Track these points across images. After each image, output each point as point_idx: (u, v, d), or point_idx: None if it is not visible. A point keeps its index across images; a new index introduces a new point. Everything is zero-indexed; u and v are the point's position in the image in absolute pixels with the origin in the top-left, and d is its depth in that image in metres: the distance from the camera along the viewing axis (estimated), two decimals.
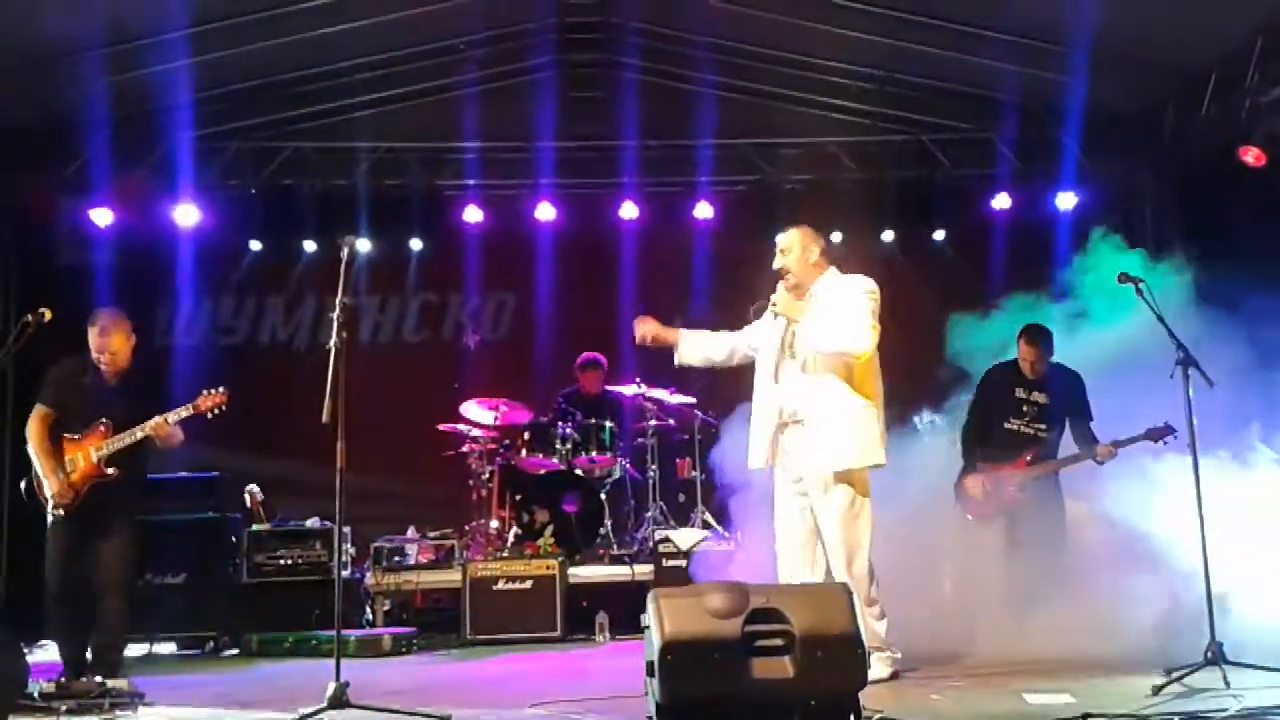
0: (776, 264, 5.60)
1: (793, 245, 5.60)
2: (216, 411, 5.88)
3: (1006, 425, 6.91)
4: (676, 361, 6.01)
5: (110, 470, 5.84)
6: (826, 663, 4.01)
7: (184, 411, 5.86)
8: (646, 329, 5.89)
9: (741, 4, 8.69)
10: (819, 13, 8.53)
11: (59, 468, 5.84)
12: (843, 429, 5.38)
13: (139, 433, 5.81)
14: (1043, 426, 6.86)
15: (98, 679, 5.53)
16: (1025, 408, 6.89)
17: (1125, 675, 5.17)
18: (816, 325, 5.38)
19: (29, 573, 8.35)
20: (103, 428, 5.86)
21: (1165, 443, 6.30)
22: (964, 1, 8.16)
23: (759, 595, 4.14)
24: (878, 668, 5.14)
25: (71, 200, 9.34)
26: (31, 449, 5.93)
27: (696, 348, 5.93)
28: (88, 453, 5.84)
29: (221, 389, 5.89)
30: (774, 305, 5.51)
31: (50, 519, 5.87)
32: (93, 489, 5.85)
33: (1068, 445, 6.86)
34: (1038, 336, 6.87)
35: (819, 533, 5.49)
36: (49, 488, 5.81)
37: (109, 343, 5.94)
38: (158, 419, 5.81)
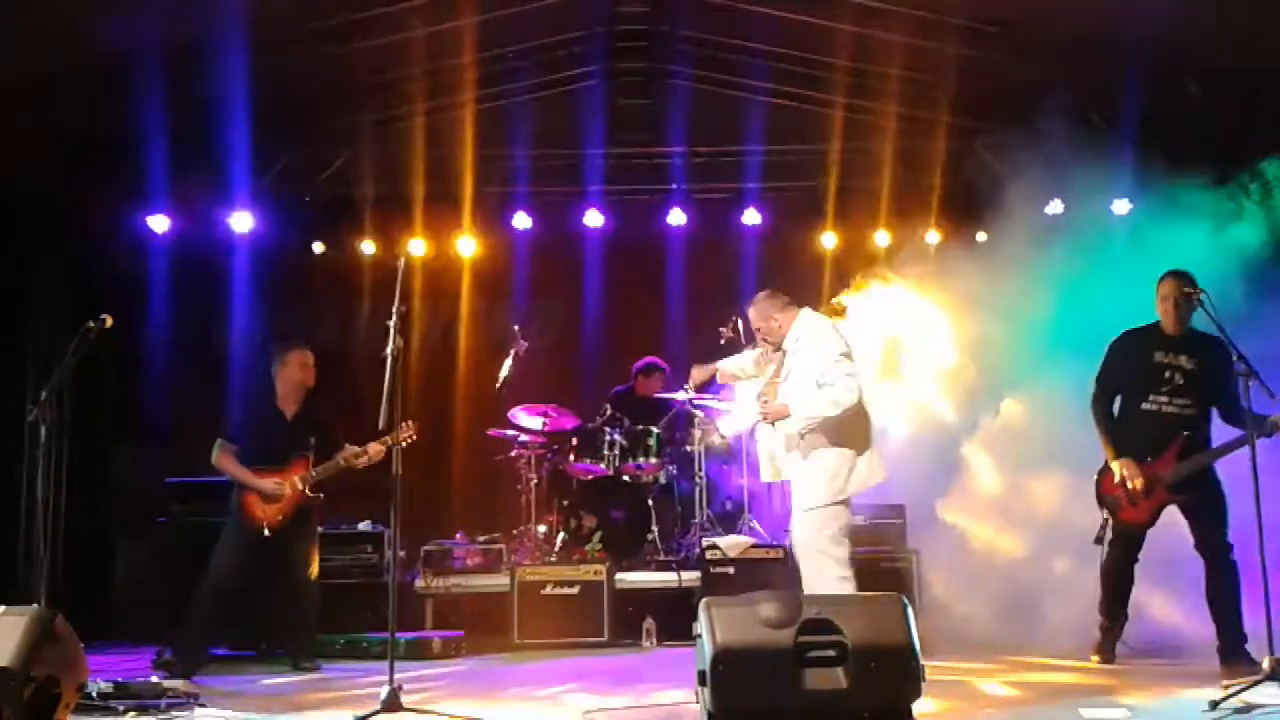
0: (757, 339, 6.28)
1: (758, 320, 6.20)
2: (409, 442, 6.33)
3: (1145, 405, 6.01)
4: (718, 380, 6.73)
5: (317, 495, 6.79)
6: (880, 674, 4.00)
7: (388, 441, 6.36)
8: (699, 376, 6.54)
9: (790, 11, 8.66)
10: (868, 20, 8.49)
11: (270, 483, 6.68)
12: (802, 476, 5.92)
13: (342, 461, 6.74)
14: (1187, 403, 5.95)
15: (153, 678, 5.65)
16: (1169, 374, 5.96)
17: (1183, 690, 5.12)
18: (798, 416, 5.82)
19: (90, 580, 8.58)
20: (301, 459, 6.72)
21: None
22: (1020, 6, 8.06)
23: (811, 605, 4.14)
24: None
25: (128, 207, 9.49)
26: (234, 476, 6.75)
27: (728, 371, 6.58)
28: (293, 481, 6.72)
29: (412, 422, 6.40)
30: (761, 414, 6.06)
31: (239, 535, 6.69)
32: (294, 514, 6.72)
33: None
34: (1185, 276, 5.84)
35: None
36: (267, 490, 6.67)
37: (313, 374, 6.94)
38: (377, 446, 6.62)
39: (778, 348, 6.11)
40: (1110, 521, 6.13)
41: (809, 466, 5.89)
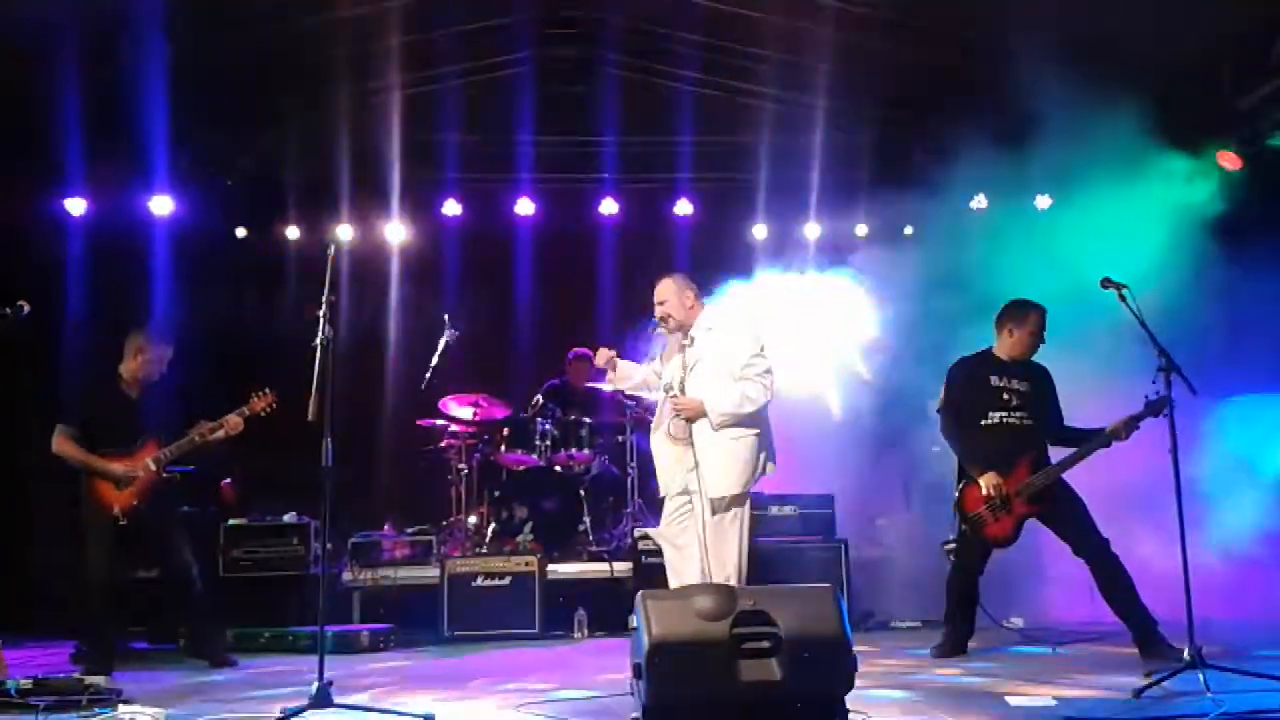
0: (658, 313, 6.02)
1: (669, 294, 6.01)
2: (267, 411, 6.30)
3: (985, 422, 6.25)
4: (609, 385, 6.58)
5: (171, 475, 6.47)
6: (813, 665, 4.03)
7: (245, 412, 6.35)
8: (606, 355, 6.31)
9: (724, 2, 8.68)
10: (802, 12, 8.54)
11: (119, 466, 6.29)
12: (722, 461, 5.79)
13: (196, 437, 6.35)
14: (1025, 415, 6.23)
15: (75, 675, 5.49)
16: (1006, 396, 6.25)
17: (1107, 678, 5.23)
18: (715, 413, 5.77)
19: (4, 572, 8.36)
20: (152, 440, 6.35)
21: (1165, 415, 5.53)
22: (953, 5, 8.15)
23: (747, 597, 4.15)
24: None
25: (44, 189, 9.23)
26: (78, 461, 6.35)
27: (622, 379, 6.40)
28: (145, 464, 6.31)
29: (268, 390, 6.28)
30: (678, 411, 5.84)
31: (96, 525, 6.34)
32: (152, 497, 6.36)
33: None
34: (1044, 315, 6.35)
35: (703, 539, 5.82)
36: (116, 474, 6.27)
37: (168, 354, 6.52)
38: (235, 418, 6.34)
39: (685, 333, 5.98)
40: (968, 537, 6.28)
41: (724, 451, 5.81)
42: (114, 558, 6.40)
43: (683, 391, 5.88)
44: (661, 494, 6.12)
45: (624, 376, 6.39)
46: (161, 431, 6.39)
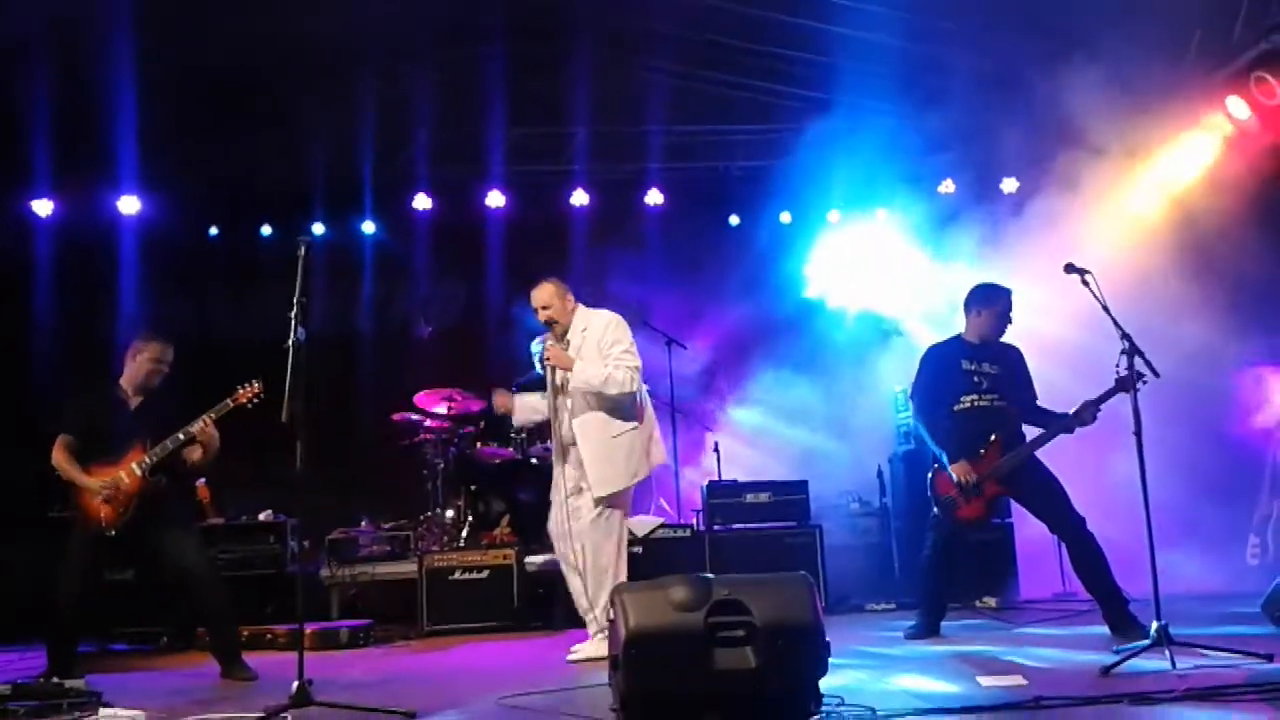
0: (542, 319, 6.28)
1: (552, 299, 6.25)
2: (254, 402, 6.01)
3: (958, 407, 6.31)
4: (516, 423, 7.01)
5: (156, 479, 6.06)
6: (787, 653, 4.08)
7: (228, 404, 6.03)
8: (501, 401, 6.61)
9: None
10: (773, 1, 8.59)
11: (96, 481, 6.02)
12: (603, 458, 6.11)
13: (181, 435, 6.00)
14: (997, 396, 6.30)
15: (54, 679, 5.48)
16: (976, 379, 6.33)
17: (1076, 656, 5.33)
18: (587, 375, 6.07)
19: None
20: (138, 447, 6.05)
21: (1139, 388, 5.32)
22: None
23: (721, 587, 4.20)
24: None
25: (10, 190, 9.16)
26: (65, 473, 6.12)
27: (524, 411, 6.63)
28: (130, 470, 6.02)
29: (256, 381, 6.01)
30: (547, 360, 6.19)
31: (81, 532, 6.08)
32: (141, 504, 6.03)
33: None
34: (1011, 297, 6.45)
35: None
36: (93, 489, 5.99)
37: (162, 373, 6.25)
38: (202, 419, 6.00)
39: (562, 336, 6.25)
40: (940, 519, 6.37)
41: (603, 450, 6.11)
42: (93, 567, 6.15)
43: (564, 391, 6.17)
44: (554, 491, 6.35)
45: (528, 407, 6.58)
46: (151, 438, 6.07)
